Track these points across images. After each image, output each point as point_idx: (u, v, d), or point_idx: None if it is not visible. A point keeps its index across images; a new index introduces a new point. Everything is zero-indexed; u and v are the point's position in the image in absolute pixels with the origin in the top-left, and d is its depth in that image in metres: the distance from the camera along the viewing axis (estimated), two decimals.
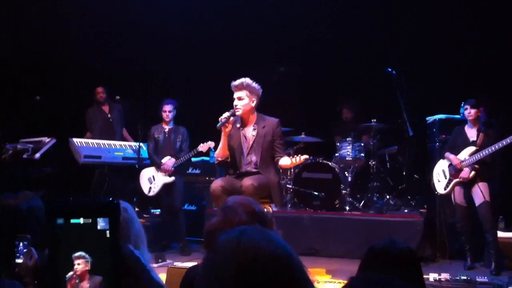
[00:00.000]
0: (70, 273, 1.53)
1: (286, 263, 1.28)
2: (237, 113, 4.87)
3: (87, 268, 1.53)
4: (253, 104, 4.89)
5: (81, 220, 1.54)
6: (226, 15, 8.55)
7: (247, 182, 4.65)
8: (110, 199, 1.57)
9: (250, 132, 4.96)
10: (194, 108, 8.14)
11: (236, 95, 4.85)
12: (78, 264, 1.53)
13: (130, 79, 8.71)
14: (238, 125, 4.98)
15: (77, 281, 1.53)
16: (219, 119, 4.79)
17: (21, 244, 2.26)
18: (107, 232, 1.53)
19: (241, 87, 4.83)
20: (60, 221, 1.55)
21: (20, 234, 2.27)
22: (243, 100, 4.83)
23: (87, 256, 1.53)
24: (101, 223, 1.53)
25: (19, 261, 2.25)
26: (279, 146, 4.94)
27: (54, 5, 8.40)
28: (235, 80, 4.89)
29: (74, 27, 8.57)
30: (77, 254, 1.53)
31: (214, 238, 1.93)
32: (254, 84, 4.90)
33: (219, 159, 4.96)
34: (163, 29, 8.78)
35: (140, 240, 2.07)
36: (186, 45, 8.83)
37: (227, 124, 4.81)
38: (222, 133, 4.86)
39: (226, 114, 4.79)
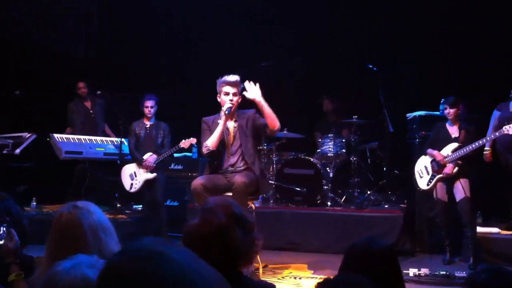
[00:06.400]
0: None
1: None
2: (232, 108, 5.00)
3: None
4: (239, 100, 5.08)
5: None
6: (208, 10, 8.53)
7: (240, 179, 4.77)
8: None
9: (231, 125, 5.15)
10: (176, 103, 8.12)
11: (231, 90, 5.00)
12: None
13: (112, 73, 8.64)
14: (218, 121, 5.05)
15: None
16: (225, 108, 4.92)
17: (1, 228, 2.33)
18: None
19: (236, 83, 5.01)
20: None
21: None
22: (237, 96, 5.02)
23: None
24: None
25: (0, 243, 2.32)
26: (261, 121, 5.04)
27: None
28: (227, 75, 5.01)
29: (54, 19, 8.47)
30: None
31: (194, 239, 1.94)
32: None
33: (210, 148, 4.98)
34: (147, 22, 8.73)
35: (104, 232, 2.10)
36: (168, 40, 8.79)
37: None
38: (221, 123, 4.95)
39: (228, 105, 4.94)
